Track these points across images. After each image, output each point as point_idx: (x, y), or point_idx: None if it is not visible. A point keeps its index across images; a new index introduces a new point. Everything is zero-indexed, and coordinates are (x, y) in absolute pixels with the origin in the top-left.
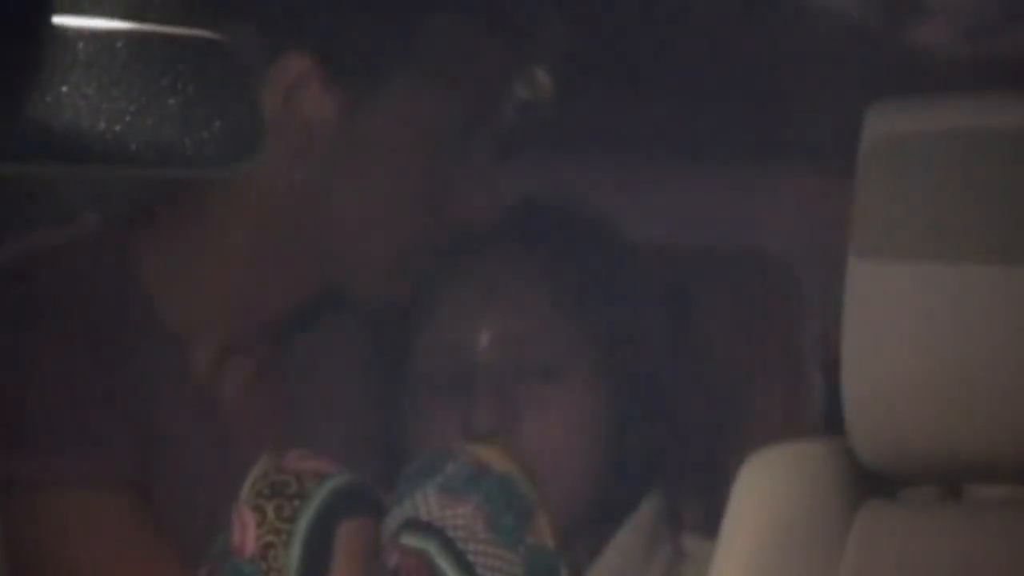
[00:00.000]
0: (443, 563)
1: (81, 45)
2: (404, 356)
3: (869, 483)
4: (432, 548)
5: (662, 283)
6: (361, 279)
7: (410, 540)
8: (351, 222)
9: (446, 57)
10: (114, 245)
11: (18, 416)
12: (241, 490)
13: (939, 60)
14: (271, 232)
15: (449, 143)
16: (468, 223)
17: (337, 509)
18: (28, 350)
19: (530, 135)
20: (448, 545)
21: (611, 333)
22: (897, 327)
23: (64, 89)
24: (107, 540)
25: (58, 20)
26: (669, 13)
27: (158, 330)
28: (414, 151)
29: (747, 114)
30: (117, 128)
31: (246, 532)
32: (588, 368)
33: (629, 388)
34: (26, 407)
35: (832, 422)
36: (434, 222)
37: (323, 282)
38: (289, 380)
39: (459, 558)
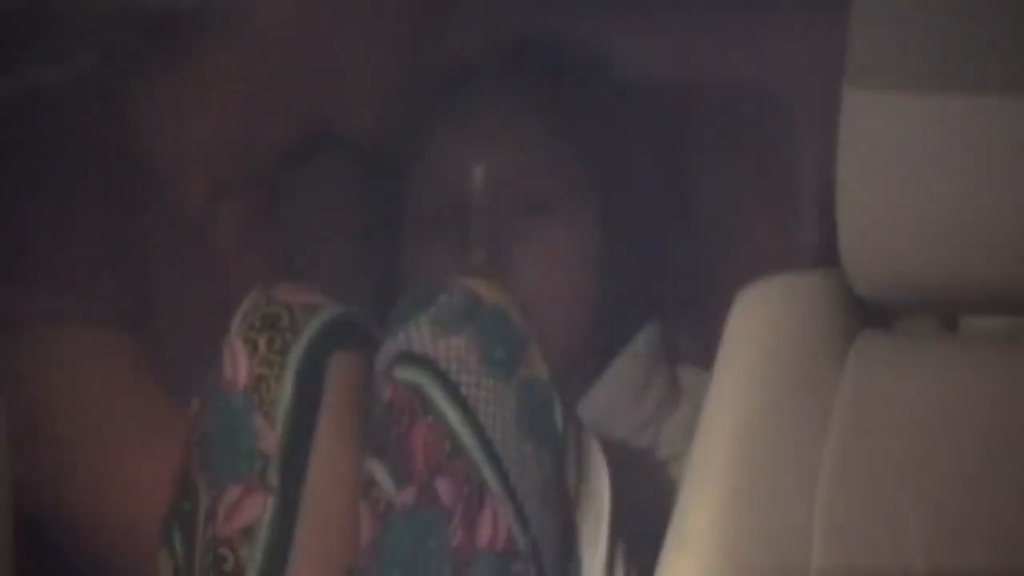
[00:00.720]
0: (436, 395)
1: None
2: (399, 194)
3: (864, 314)
4: (425, 380)
5: (657, 117)
6: (353, 115)
7: (403, 373)
8: (343, 57)
9: None
10: (108, 85)
11: (11, 254)
12: (232, 323)
13: None
14: (263, 70)
15: None
16: (459, 57)
17: (329, 341)
18: (20, 189)
19: None
20: (441, 377)
21: (606, 167)
22: (892, 157)
23: None
24: (101, 375)
25: None
26: None
27: (151, 169)
28: None
29: None
30: None
31: (238, 365)
32: (583, 202)
33: (625, 221)
34: (19, 245)
35: (830, 254)
36: (425, 56)
37: (315, 120)
38: (283, 219)
39: (452, 390)
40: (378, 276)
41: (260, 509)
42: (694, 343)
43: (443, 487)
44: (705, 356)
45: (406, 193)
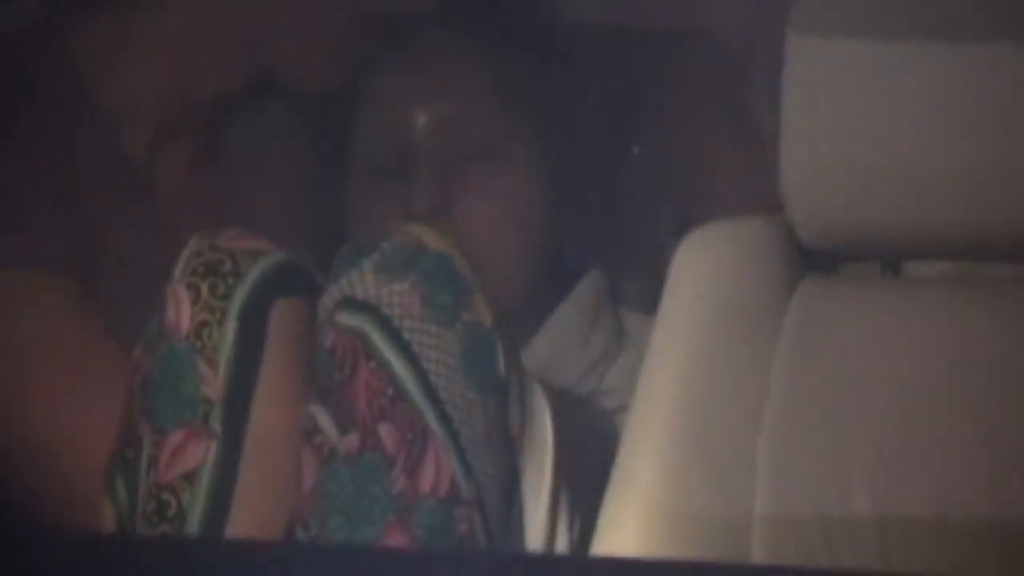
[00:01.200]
0: (379, 340)
1: None
2: (343, 140)
3: (808, 259)
4: (368, 326)
5: (602, 61)
6: (295, 64)
7: (346, 318)
8: (282, 5)
9: None
10: (50, 29)
11: None
12: (175, 269)
13: None
14: (206, 13)
15: None
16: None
17: (272, 287)
18: None
19: None
20: (384, 323)
21: (550, 112)
22: (834, 104)
23: None
24: (44, 320)
25: None
26: None
27: (93, 113)
28: None
29: None
30: None
31: (180, 311)
32: (528, 148)
33: (569, 167)
34: None
35: (771, 201)
36: (368, 7)
37: (258, 66)
38: (227, 163)
39: (395, 336)
40: (323, 222)
41: (203, 454)
42: (638, 289)
43: (386, 433)
44: (649, 302)
45: (351, 139)
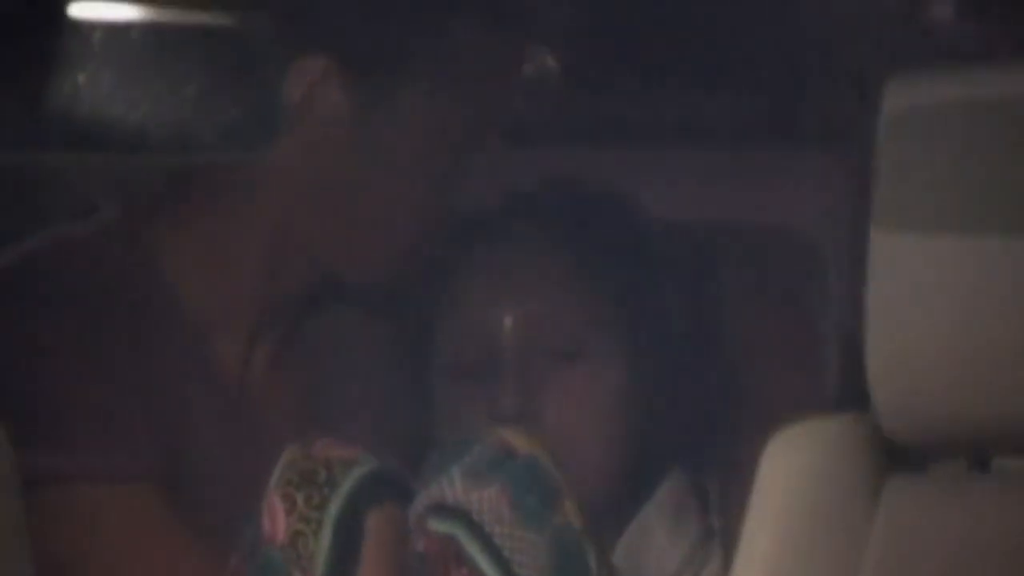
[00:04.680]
0: (470, 546)
1: (97, 36)
2: (427, 341)
3: (895, 457)
4: (458, 532)
5: (683, 262)
6: (359, 268)
7: (436, 524)
8: (356, 215)
9: (456, 56)
10: (135, 237)
11: (43, 410)
12: (270, 479)
13: (952, 33)
14: (284, 220)
15: (458, 144)
16: (479, 205)
17: (366, 496)
18: (53, 343)
19: (543, 117)
20: (474, 528)
21: (632, 312)
22: (920, 301)
23: (81, 79)
24: (134, 533)
25: (73, 11)
26: None
27: (182, 321)
28: (423, 151)
29: (766, 92)
30: (134, 116)
31: (276, 521)
32: (610, 348)
33: (652, 367)
34: (51, 401)
35: (856, 398)
36: (438, 216)
37: (330, 271)
38: (311, 367)
39: (486, 541)
40: (409, 425)
41: None
42: (723, 488)
43: None
44: (735, 501)
45: (435, 341)
